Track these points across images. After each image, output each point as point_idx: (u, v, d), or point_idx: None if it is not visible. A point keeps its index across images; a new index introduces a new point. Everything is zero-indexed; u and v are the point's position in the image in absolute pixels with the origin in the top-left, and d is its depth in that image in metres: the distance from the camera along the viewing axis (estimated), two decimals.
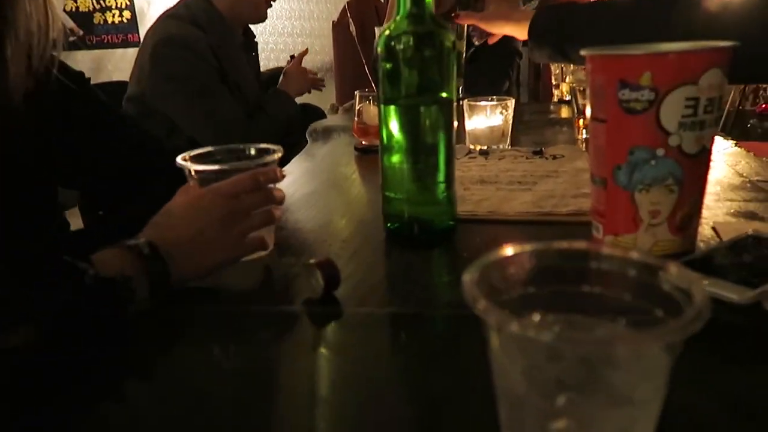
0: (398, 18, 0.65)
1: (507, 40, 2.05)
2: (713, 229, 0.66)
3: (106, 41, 4.36)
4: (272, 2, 1.59)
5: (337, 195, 0.93)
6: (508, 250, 0.36)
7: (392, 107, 0.66)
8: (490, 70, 1.94)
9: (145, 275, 0.53)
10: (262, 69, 1.87)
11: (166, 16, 1.54)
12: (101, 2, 4.27)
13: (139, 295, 0.52)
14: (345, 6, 2.92)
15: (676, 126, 0.56)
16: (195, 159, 0.64)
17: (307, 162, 1.17)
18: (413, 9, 0.64)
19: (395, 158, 0.67)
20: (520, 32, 1.03)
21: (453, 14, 1.12)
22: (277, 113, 1.59)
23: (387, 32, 0.65)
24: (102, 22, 4.32)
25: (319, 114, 1.84)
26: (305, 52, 1.81)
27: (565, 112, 1.61)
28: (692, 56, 0.54)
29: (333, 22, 3.01)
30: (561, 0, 1.42)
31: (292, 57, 1.83)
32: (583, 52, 0.61)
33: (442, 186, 0.68)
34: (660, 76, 0.54)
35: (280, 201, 0.63)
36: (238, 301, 0.58)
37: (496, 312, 0.29)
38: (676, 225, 0.59)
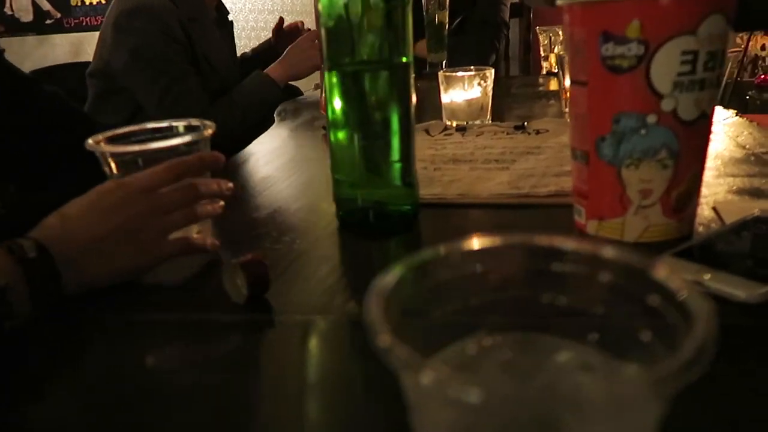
0: None
1: (494, 8, 1.95)
2: (714, 209, 0.57)
3: (84, 24, 4.22)
4: None
5: (295, 179, 0.83)
6: (442, 249, 0.26)
7: (336, 73, 0.56)
8: (476, 43, 1.83)
9: (27, 284, 0.43)
10: (243, 49, 1.76)
11: None
12: None
13: (17, 309, 0.42)
14: None
15: (670, 86, 0.46)
16: (111, 141, 0.55)
17: (267, 143, 1.07)
18: None
19: (342, 134, 0.58)
20: None
21: None
22: (251, 100, 1.45)
23: None
24: (80, 4, 4.17)
25: (293, 93, 1.74)
26: (298, 24, 1.68)
27: (554, 85, 1.50)
28: (688, 0, 0.44)
29: None
30: None
31: (277, 30, 1.69)
32: (559, 2, 0.51)
33: (397, 166, 0.58)
34: (650, 25, 0.45)
35: (219, 193, 0.53)
36: (151, 308, 0.48)
37: (403, 353, 0.19)
38: (671, 206, 0.49)
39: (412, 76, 0.58)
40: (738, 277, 0.41)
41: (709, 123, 0.49)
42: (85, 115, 0.84)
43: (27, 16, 4.15)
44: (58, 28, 4.18)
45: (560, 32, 1.58)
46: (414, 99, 0.59)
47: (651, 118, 0.47)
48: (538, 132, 0.93)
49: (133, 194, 0.49)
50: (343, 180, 0.60)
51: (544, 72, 1.72)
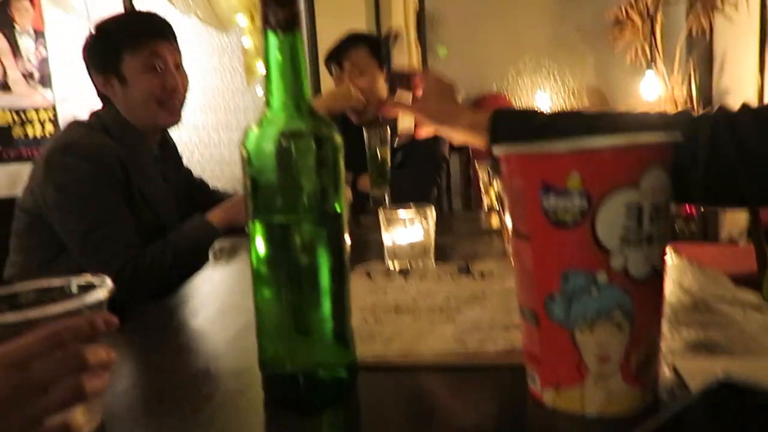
0: (269, 112, 0.52)
1: (434, 144, 2.01)
2: (674, 371, 0.52)
3: (25, 155, 4.14)
4: (174, 106, 1.43)
5: (221, 335, 0.74)
6: None
7: (259, 224, 0.51)
8: (418, 177, 1.86)
9: None
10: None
11: (75, 123, 1.38)
12: (21, 115, 4.11)
13: None
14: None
15: (617, 242, 0.43)
16: None
17: (197, 288, 0.99)
18: (288, 99, 0.51)
19: (267, 291, 0.51)
20: (472, 137, 0.85)
21: (376, 104, 0.94)
22: (187, 244, 1.30)
23: (254, 129, 0.51)
24: (22, 136, 4.12)
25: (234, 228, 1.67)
26: None
27: (496, 222, 1.51)
28: (627, 151, 0.43)
29: None
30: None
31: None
32: (495, 151, 0.49)
33: (329, 325, 0.51)
34: (590, 177, 0.42)
35: (104, 364, 0.44)
36: None
37: None
38: (632, 372, 0.44)
39: (346, 225, 0.53)
40: None
41: (662, 279, 0.46)
42: None
43: None
44: None
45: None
46: (348, 249, 0.54)
47: (601, 277, 0.43)
48: (482, 275, 0.90)
49: (3, 368, 0.40)
50: (269, 343, 0.52)
51: (485, 207, 1.74)
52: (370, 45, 1.86)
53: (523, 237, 0.47)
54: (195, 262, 1.24)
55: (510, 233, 0.50)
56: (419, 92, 0.92)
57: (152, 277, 1.20)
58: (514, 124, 0.81)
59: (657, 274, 0.45)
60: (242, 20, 2.59)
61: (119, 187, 1.31)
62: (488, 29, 3.21)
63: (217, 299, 0.94)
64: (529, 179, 0.45)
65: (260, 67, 2.65)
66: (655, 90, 2.91)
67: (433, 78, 0.92)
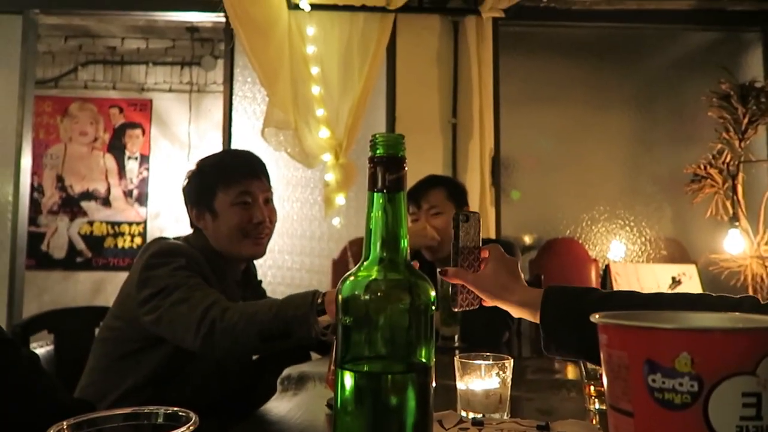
0: (366, 263, 0.54)
1: None
2: None
3: (112, 264, 4.42)
4: (260, 237, 1.49)
5: None
6: None
7: (350, 372, 0.51)
8: (489, 319, 1.82)
9: None
10: None
11: (164, 238, 1.46)
12: (115, 228, 4.44)
13: None
14: (346, 245, 2.97)
15: (733, 431, 0.40)
16: (76, 430, 0.48)
17: (266, 418, 0.98)
18: (384, 253, 0.54)
19: None
20: (521, 313, 0.89)
21: (440, 270, 0.97)
22: (276, 319, 1.12)
23: (351, 278, 0.53)
24: (113, 246, 4.43)
25: (300, 355, 1.67)
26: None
27: (571, 373, 1.44)
28: (743, 336, 0.41)
29: (333, 260, 3.02)
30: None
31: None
32: (593, 318, 0.48)
33: None
34: (702, 360, 0.40)
35: None
36: None
37: None
38: None
39: (434, 379, 0.53)
40: None
41: None
42: (56, 390, 0.78)
43: (60, 253, 4.39)
44: (86, 266, 4.38)
45: None
46: (432, 403, 0.53)
47: None
48: None
49: None
50: None
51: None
52: (448, 188, 1.94)
53: (624, 413, 0.44)
54: (276, 332, 1.10)
55: (598, 386, 0.47)
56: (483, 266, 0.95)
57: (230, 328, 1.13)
58: (567, 301, 0.81)
59: None
60: (327, 157, 2.78)
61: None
62: (561, 176, 3.28)
63: None
64: (631, 353, 0.43)
65: (339, 200, 2.79)
66: (739, 245, 2.81)
67: (496, 251, 0.95)
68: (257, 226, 1.44)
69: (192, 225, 1.49)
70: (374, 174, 0.53)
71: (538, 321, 0.85)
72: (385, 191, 0.53)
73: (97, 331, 1.61)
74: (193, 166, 1.51)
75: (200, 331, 1.14)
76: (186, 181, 1.48)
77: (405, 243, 0.54)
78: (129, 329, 1.34)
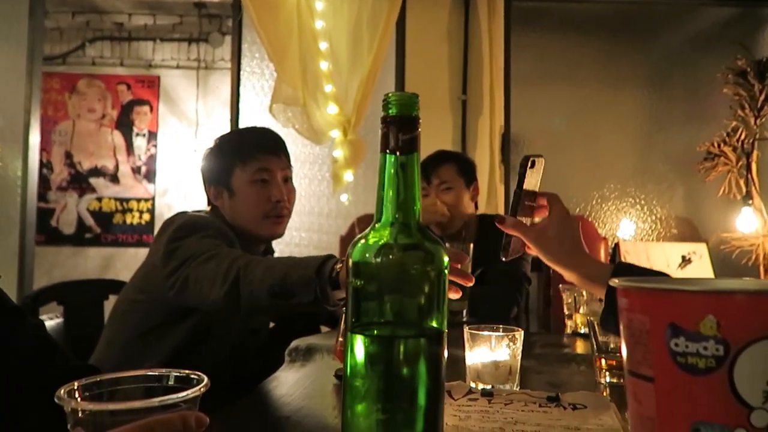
0: (378, 225, 0.52)
1: (517, 262, 1.98)
2: None
3: (120, 240, 4.44)
4: (279, 217, 1.46)
5: None
6: None
7: (360, 337, 0.50)
8: (497, 295, 1.81)
9: None
10: None
11: (190, 213, 1.43)
12: (123, 204, 4.45)
13: None
14: (354, 221, 2.96)
15: (760, 397, 0.38)
16: (87, 390, 0.47)
17: (272, 390, 0.98)
18: (397, 216, 0.52)
19: (360, 406, 0.49)
20: (583, 284, 0.85)
21: (497, 219, 0.88)
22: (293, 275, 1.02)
23: (362, 241, 0.52)
24: (121, 222, 4.45)
25: (309, 327, 1.66)
26: None
27: (581, 347, 1.43)
28: None
29: (341, 236, 3.01)
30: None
31: None
32: (612, 282, 0.46)
33: None
34: (729, 323, 0.39)
35: None
36: None
37: None
38: None
39: (445, 343, 0.52)
40: None
41: None
42: (63, 356, 0.78)
43: (69, 229, 4.42)
44: (95, 241, 4.40)
45: (584, 293, 1.56)
46: (444, 369, 0.52)
47: None
48: (574, 407, 0.83)
49: None
50: None
51: (568, 331, 1.65)
52: (458, 163, 1.92)
53: (643, 378, 0.43)
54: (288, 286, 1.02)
55: (610, 360, 0.46)
56: (541, 213, 0.89)
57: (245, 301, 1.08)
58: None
59: None
60: (335, 133, 2.76)
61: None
62: (572, 155, 3.24)
63: (290, 402, 0.92)
64: (653, 316, 0.42)
65: (347, 177, 2.77)
66: (752, 223, 2.78)
67: (560, 209, 0.88)
68: (276, 205, 1.40)
69: (209, 203, 1.47)
70: (387, 134, 0.52)
71: (601, 296, 0.82)
72: (398, 152, 0.51)
73: (106, 304, 1.61)
74: (209, 143, 1.48)
75: (226, 281, 1.08)
76: (204, 159, 1.46)
77: (418, 206, 0.53)
78: (152, 303, 1.32)
